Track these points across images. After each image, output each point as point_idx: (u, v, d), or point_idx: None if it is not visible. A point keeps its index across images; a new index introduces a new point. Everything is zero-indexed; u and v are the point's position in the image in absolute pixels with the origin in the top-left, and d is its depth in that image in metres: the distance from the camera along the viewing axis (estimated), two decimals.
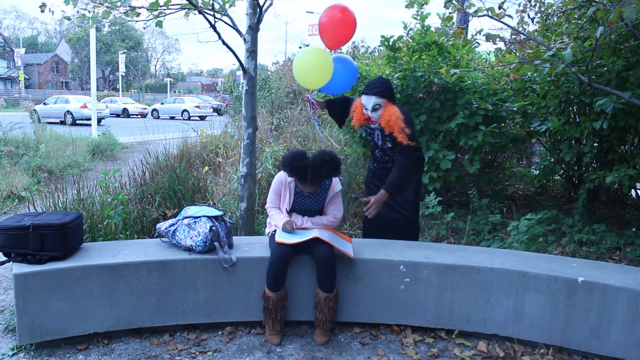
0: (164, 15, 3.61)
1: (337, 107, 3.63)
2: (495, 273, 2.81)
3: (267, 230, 3.10)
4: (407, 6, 4.29)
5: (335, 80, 3.50)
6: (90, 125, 14.34)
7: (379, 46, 5.05)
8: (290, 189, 3.04)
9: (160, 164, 5.19)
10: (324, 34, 3.46)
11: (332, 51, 3.87)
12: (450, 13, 4.13)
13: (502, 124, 4.43)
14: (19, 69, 43.67)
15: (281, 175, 3.07)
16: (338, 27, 3.44)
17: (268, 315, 2.86)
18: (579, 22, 3.67)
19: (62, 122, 20.14)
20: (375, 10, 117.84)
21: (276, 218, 3.02)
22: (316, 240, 2.81)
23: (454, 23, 4.53)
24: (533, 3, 4.64)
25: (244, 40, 3.87)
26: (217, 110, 26.03)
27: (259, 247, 3.07)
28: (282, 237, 2.83)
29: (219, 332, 2.97)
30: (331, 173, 2.89)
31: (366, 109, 3.25)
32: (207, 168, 5.55)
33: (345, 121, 3.75)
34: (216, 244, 2.88)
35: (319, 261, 2.80)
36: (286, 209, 3.05)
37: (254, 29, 3.84)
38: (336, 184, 3.07)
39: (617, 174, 3.53)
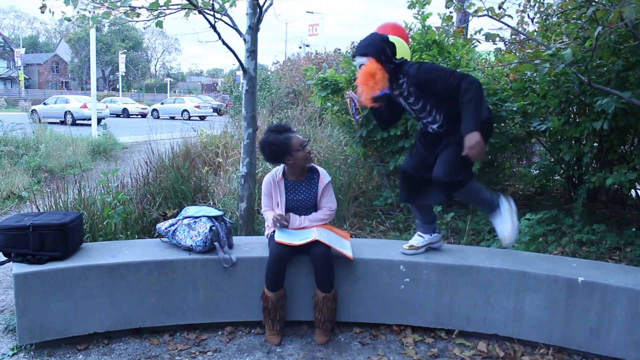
0: (164, 16, 3.61)
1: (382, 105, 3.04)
2: (495, 273, 2.81)
3: (266, 232, 3.10)
4: (409, 7, 4.29)
5: None
6: (90, 125, 14.35)
7: None
8: (280, 188, 3.05)
9: (165, 164, 5.20)
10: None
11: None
12: (450, 13, 4.13)
13: (502, 124, 4.43)
14: (19, 69, 43.73)
15: (268, 177, 3.08)
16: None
17: (267, 315, 2.86)
18: (578, 22, 3.67)
19: (62, 122, 20.16)
20: (371, 9, 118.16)
21: (270, 218, 3.03)
22: (314, 240, 2.81)
23: (453, 23, 4.52)
24: (532, 3, 4.64)
25: (244, 40, 3.87)
26: (217, 110, 26.03)
27: (259, 247, 3.07)
28: (282, 238, 2.83)
29: (219, 332, 2.97)
30: (282, 131, 2.97)
31: None
32: (207, 168, 5.55)
33: (393, 123, 3.33)
34: (216, 244, 2.88)
35: (317, 261, 2.81)
36: (282, 209, 3.05)
37: (254, 29, 3.84)
38: (324, 175, 3.09)
39: (617, 175, 3.53)
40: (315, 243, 2.80)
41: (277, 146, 2.93)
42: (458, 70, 2.96)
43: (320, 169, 3.13)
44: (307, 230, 2.95)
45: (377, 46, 2.74)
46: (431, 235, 3.03)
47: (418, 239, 3.04)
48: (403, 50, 3.40)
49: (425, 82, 2.71)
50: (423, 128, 2.97)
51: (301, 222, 3.02)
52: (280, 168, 3.09)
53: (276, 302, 2.82)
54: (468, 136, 2.58)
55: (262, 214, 3.17)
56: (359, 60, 2.79)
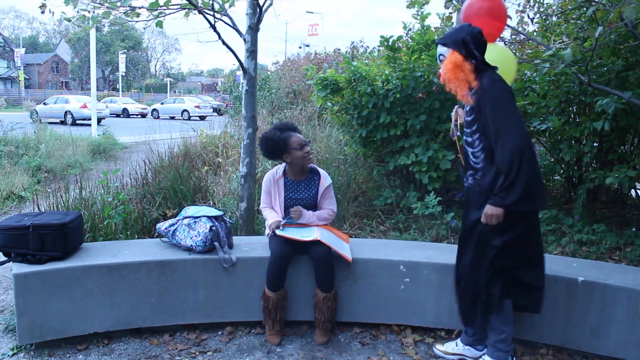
0: (164, 16, 3.61)
1: None
2: None
3: (266, 232, 3.10)
4: (408, 6, 4.29)
5: None
6: (90, 125, 14.35)
7: (378, 46, 5.06)
8: (280, 186, 3.06)
9: (164, 164, 5.20)
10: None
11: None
12: (450, 13, 4.13)
13: None
14: (19, 69, 43.69)
15: (269, 175, 3.10)
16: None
17: (268, 315, 2.86)
18: (578, 22, 3.67)
19: (62, 122, 20.17)
20: (369, 9, 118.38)
21: (269, 218, 3.03)
22: (315, 240, 2.81)
23: (453, 23, 4.52)
24: (532, 3, 4.64)
25: (244, 40, 3.87)
26: (217, 110, 26.03)
27: (259, 247, 3.07)
28: (283, 232, 2.84)
29: (219, 332, 2.97)
30: (284, 129, 2.99)
31: None
32: (207, 168, 5.55)
33: None
34: (216, 244, 2.88)
35: (317, 261, 2.81)
36: (280, 207, 3.06)
37: (254, 29, 3.84)
38: (325, 178, 3.10)
39: (617, 174, 3.53)
40: (316, 243, 2.80)
41: (274, 142, 2.94)
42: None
43: (322, 171, 3.13)
44: (309, 229, 2.94)
45: (458, 37, 2.30)
46: (465, 347, 2.65)
47: (452, 345, 2.71)
48: (501, 59, 2.77)
49: (483, 103, 2.24)
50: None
51: (310, 217, 3.02)
52: (281, 166, 3.10)
53: (277, 302, 2.82)
54: (492, 207, 2.22)
55: (261, 213, 3.18)
56: (439, 49, 2.40)
